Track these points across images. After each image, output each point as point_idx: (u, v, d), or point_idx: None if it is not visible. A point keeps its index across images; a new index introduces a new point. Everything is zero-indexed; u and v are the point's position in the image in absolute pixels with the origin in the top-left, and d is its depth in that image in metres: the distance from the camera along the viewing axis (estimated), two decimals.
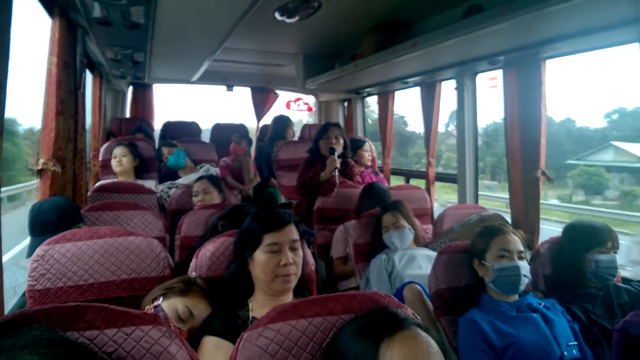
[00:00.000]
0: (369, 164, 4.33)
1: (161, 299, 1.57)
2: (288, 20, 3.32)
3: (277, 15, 3.22)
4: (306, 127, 5.87)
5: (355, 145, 4.15)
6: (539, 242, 2.88)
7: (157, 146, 4.90)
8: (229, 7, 2.28)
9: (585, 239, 2.10)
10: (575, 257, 2.10)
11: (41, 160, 2.27)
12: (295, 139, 5.69)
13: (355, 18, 3.35)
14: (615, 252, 2.07)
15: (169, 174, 4.06)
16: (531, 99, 2.93)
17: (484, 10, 2.44)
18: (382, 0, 2.95)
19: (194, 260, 1.78)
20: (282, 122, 5.26)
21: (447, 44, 2.61)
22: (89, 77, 4.20)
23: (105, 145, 3.95)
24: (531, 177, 2.98)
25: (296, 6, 3.07)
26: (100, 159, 3.91)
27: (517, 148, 3.06)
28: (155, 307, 1.54)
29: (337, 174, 3.38)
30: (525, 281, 1.85)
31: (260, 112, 6.13)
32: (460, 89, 3.57)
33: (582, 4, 1.87)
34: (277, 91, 6.12)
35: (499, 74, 3.18)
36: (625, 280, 2.27)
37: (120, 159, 3.67)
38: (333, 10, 3.17)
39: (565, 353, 1.72)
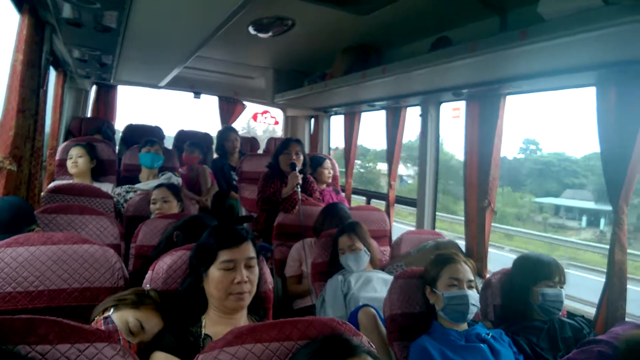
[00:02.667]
0: (329, 181, 4.35)
1: (112, 310, 1.54)
2: (261, 35, 3.35)
3: (251, 30, 3.25)
4: (271, 141, 5.88)
5: (316, 162, 4.16)
6: (487, 271, 3.01)
7: (117, 149, 4.80)
8: (204, 18, 2.28)
9: (534, 272, 2.18)
10: (523, 289, 2.18)
11: None
12: (260, 151, 5.70)
13: (327, 38, 3.41)
14: (562, 287, 2.16)
15: (128, 178, 3.97)
16: (489, 132, 3.05)
17: (452, 44, 2.55)
18: (355, 25, 3.02)
19: (149, 272, 1.76)
20: (220, 136, 5.17)
21: (415, 73, 2.71)
22: (52, 74, 4.08)
23: (62, 145, 3.83)
24: (481, 206, 3.09)
25: (270, 22, 3.10)
26: (56, 158, 3.79)
27: (474, 178, 3.18)
28: (106, 318, 1.51)
29: (299, 189, 3.39)
30: (474, 310, 1.91)
31: (226, 121, 6.09)
32: (424, 116, 3.68)
33: (544, 48, 1.98)
34: (245, 102, 6.11)
35: (462, 105, 3.30)
36: (570, 314, 2.37)
37: (76, 160, 3.54)
38: (306, 30, 3.22)
39: None
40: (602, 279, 2.39)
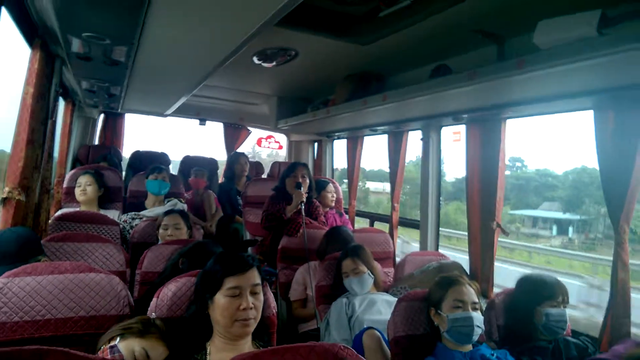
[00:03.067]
0: (333, 204, 4.38)
1: (118, 339, 1.55)
2: (265, 65, 3.43)
3: (255, 59, 3.33)
4: (276, 165, 5.92)
5: (320, 186, 4.19)
6: (493, 292, 3.00)
7: (124, 176, 4.85)
8: (211, 51, 2.34)
9: (537, 292, 2.19)
10: (527, 309, 2.18)
11: (6, 189, 2.24)
12: (265, 175, 5.73)
13: (329, 67, 3.49)
14: (565, 307, 2.16)
15: (134, 204, 4.01)
16: (491, 154, 3.09)
17: (451, 72, 2.60)
18: (356, 54, 3.09)
19: (154, 299, 1.78)
20: (230, 160, 5.25)
21: (415, 99, 2.75)
22: (60, 103, 4.16)
23: (70, 173, 3.88)
24: (487, 227, 3.10)
25: (274, 53, 3.18)
26: (64, 186, 3.84)
27: (476, 199, 3.20)
28: (112, 347, 1.53)
29: (302, 208, 3.42)
30: (478, 332, 1.92)
31: (231, 147, 6.15)
32: (425, 140, 3.72)
33: (541, 76, 2.02)
34: (250, 128, 6.18)
35: (462, 128, 3.35)
36: (575, 333, 2.36)
37: (85, 188, 3.59)
38: (309, 59, 3.29)
39: None
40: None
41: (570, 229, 19.14)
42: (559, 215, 19.78)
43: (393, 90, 2.90)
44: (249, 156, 5.35)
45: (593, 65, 1.82)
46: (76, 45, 2.26)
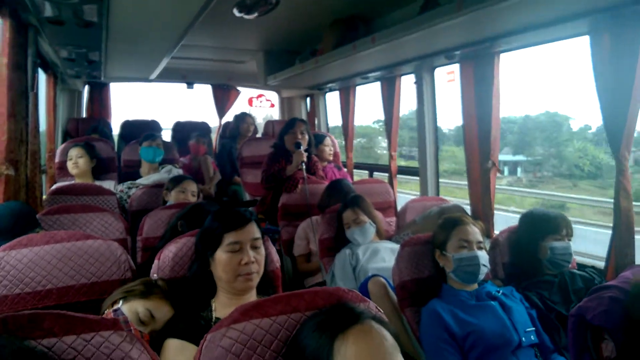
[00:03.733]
0: (331, 158, 4.35)
1: (121, 302, 1.55)
2: (247, 17, 3.30)
3: (236, 12, 3.20)
4: (269, 124, 5.85)
5: (317, 140, 4.16)
6: (495, 231, 3.00)
7: (116, 146, 4.79)
8: (185, 3, 2.25)
9: (541, 227, 2.18)
10: (531, 245, 2.18)
11: None
12: (259, 135, 5.67)
13: (314, 14, 3.36)
14: (570, 239, 2.16)
15: (129, 174, 3.97)
16: (486, 93, 3.01)
17: (440, 5, 2.49)
18: None
19: (156, 261, 1.76)
20: (237, 118, 5.22)
21: (405, 39, 2.65)
22: (42, 77, 4.06)
23: (61, 147, 3.84)
24: (485, 168, 3.07)
25: (254, 2, 3.05)
26: (56, 160, 3.79)
27: (474, 140, 3.15)
28: (115, 310, 1.52)
29: (303, 167, 3.39)
30: (484, 270, 1.91)
31: (222, 110, 6.08)
32: (419, 83, 3.63)
33: None
34: (239, 88, 6.07)
35: (456, 68, 3.25)
36: (580, 266, 2.36)
37: (77, 161, 3.56)
38: (291, 6, 3.17)
39: (524, 339, 1.79)
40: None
41: (519, 169, 20.82)
42: (510, 157, 21.09)
43: (381, 31, 2.80)
44: None
45: None
46: (45, 8, 2.16)
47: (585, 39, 2.34)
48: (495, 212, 3.08)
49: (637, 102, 2.18)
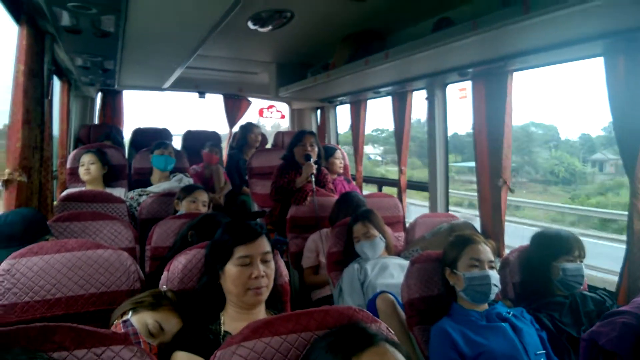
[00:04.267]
0: (341, 171, 4.35)
1: (130, 313, 1.54)
2: (261, 30, 3.32)
3: (250, 24, 3.22)
4: (279, 135, 5.86)
5: (327, 153, 4.16)
6: (505, 250, 2.98)
7: (127, 153, 4.82)
8: (202, 16, 2.27)
9: (553, 247, 2.16)
10: (543, 265, 2.16)
11: (7, 171, 2.21)
12: (269, 146, 5.68)
13: (327, 28, 3.37)
14: (582, 261, 2.13)
15: (139, 181, 3.99)
16: (498, 110, 3.00)
17: (454, 24, 2.50)
18: (354, 12, 2.98)
19: (165, 272, 1.76)
20: (244, 129, 5.22)
21: (418, 56, 2.66)
22: (56, 83, 4.10)
23: (73, 153, 3.86)
24: (495, 185, 3.05)
25: (269, 16, 3.08)
26: (67, 166, 3.82)
27: (485, 157, 3.13)
28: (125, 321, 1.52)
29: (313, 179, 3.38)
30: (495, 290, 1.89)
31: (232, 119, 6.10)
32: (430, 99, 3.63)
33: (548, 21, 1.92)
34: (250, 98, 6.10)
35: (468, 85, 3.25)
36: (591, 288, 2.33)
37: (88, 167, 3.59)
38: (305, 21, 3.18)
39: None
40: None
41: None
42: None
43: (395, 47, 2.81)
44: None
45: (602, 5, 1.72)
46: (63, 17, 2.20)
47: (600, 60, 2.34)
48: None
49: None
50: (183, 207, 2.91)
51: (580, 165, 20.90)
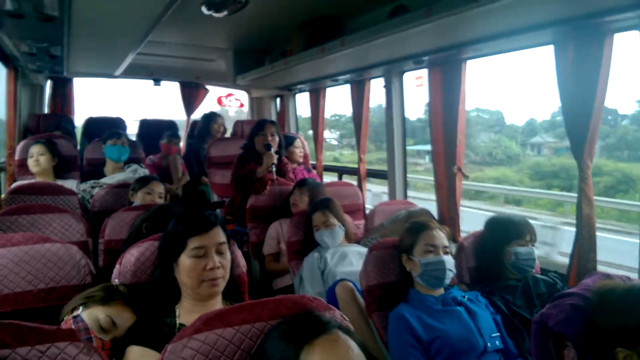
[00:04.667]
0: (301, 160, 4.33)
1: (81, 308, 1.49)
2: (216, 15, 3.25)
3: (205, 9, 3.15)
4: (238, 124, 5.77)
5: (287, 142, 4.13)
6: (460, 235, 3.05)
7: (79, 144, 4.66)
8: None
9: (505, 232, 2.22)
10: (496, 249, 2.22)
11: None
12: (228, 135, 5.60)
13: (284, 13, 3.35)
14: (533, 245, 2.20)
15: (92, 173, 3.86)
16: (452, 98, 3.06)
17: (409, 11, 2.51)
18: None
19: (117, 266, 1.70)
20: (207, 118, 5.12)
21: (375, 43, 2.67)
22: (2, 71, 3.91)
23: (21, 144, 3.70)
24: (450, 172, 3.11)
25: (223, 0, 3.01)
26: (16, 158, 3.65)
27: (440, 144, 3.19)
28: (75, 317, 1.47)
29: (274, 169, 3.36)
30: (450, 275, 1.94)
31: (190, 108, 5.97)
32: (388, 87, 3.65)
33: (500, 8, 1.96)
34: (208, 86, 5.98)
35: (424, 73, 3.28)
36: (543, 271, 2.41)
37: (38, 158, 3.44)
38: (262, 5, 3.14)
39: (489, 344, 1.82)
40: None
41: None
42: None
43: (351, 35, 2.80)
44: None
45: None
46: (5, 2, 2.07)
47: (550, 48, 2.40)
48: None
49: (599, 111, 2.25)
50: (138, 199, 2.83)
51: (516, 148, 22.06)
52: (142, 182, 2.92)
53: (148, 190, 2.86)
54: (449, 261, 1.94)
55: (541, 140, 22.13)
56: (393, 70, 3.54)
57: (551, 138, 21.93)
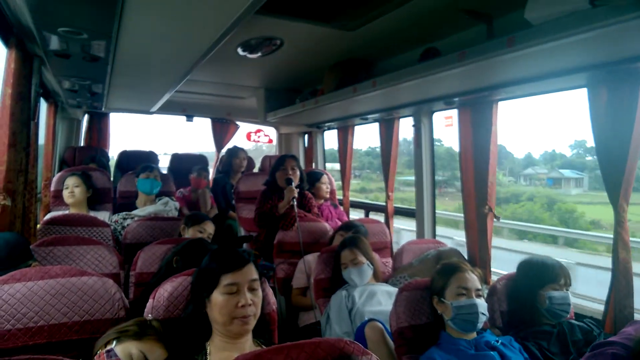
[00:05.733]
0: (327, 196, 4.34)
1: (114, 342, 1.51)
2: (250, 56, 3.36)
3: (240, 51, 3.26)
4: (266, 159, 5.86)
5: (313, 178, 4.17)
6: (492, 277, 2.99)
7: (112, 176, 4.78)
8: (192, 43, 2.28)
9: (539, 275, 2.17)
10: (530, 293, 2.16)
11: None
12: (256, 170, 5.68)
13: (316, 56, 3.43)
14: (568, 289, 2.14)
15: (124, 205, 3.94)
16: (483, 138, 3.05)
17: (440, 55, 2.55)
18: (343, 41, 3.03)
19: (150, 301, 1.73)
20: (230, 153, 5.21)
21: (405, 85, 2.70)
22: (43, 105, 4.08)
23: (57, 175, 3.81)
24: (481, 212, 3.08)
25: (259, 43, 3.12)
26: (52, 189, 3.76)
27: (471, 184, 3.17)
28: (108, 351, 1.48)
29: (295, 203, 3.38)
30: (483, 319, 1.90)
31: (220, 142, 6.11)
32: (417, 126, 3.68)
33: (533, 53, 1.98)
34: (238, 122, 6.11)
35: (454, 113, 3.30)
36: (578, 316, 2.34)
37: (73, 190, 3.53)
38: (294, 48, 3.23)
39: None
40: None
41: None
42: None
43: (382, 76, 2.85)
44: None
45: (586, 39, 1.77)
46: (53, 42, 2.20)
47: (583, 91, 2.40)
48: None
49: (635, 155, 2.21)
50: (189, 234, 2.89)
51: (503, 178, 22.10)
52: (196, 220, 2.98)
53: (200, 229, 2.92)
54: (482, 304, 1.90)
55: (532, 172, 22.71)
56: (422, 109, 3.57)
57: (540, 170, 22.54)
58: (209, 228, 2.95)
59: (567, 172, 21.13)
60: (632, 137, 2.20)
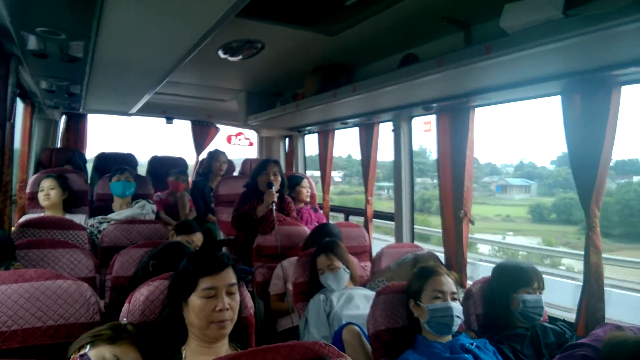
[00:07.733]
0: (308, 200, 4.35)
1: (88, 347, 1.49)
2: (231, 59, 3.36)
3: (221, 53, 3.26)
4: (247, 162, 5.84)
5: (294, 182, 4.18)
6: (467, 281, 3.03)
7: (89, 178, 4.70)
8: (173, 45, 2.27)
9: (513, 279, 2.20)
10: (504, 297, 2.20)
11: None
12: (236, 173, 5.65)
13: (297, 60, 3.44)
14: (541, 292, 2.18)
15: (101, 208, 3.88)
16: (460, 144, 3.11)
17: (419, 61, 2.59)
18: (324, 45, 3.05)
19: (126, 304, 1.71)
20: (210, 156, 5.19)
21: (385, 90, 2.74)
22: (19, 105, 4.01)
23: (33, 177, 3.74)
24: (458, 217, 3.12)
25: (240, 46, 3.12)
26: (27, 191, 3.69)
27: (448, 190, 3.22)
28: (82, 355, 1.46)
29: (274, 207, 3.38)
30: (458, 322, 1.92)
31: (200, 146, 6.06)
32: (397, 131, 3.72)
33: (510, 61, 2.02)
34: (218, 125, 6.08)
35: (433, 118, 3.35)
36: (551, 319, 2.39)
37: (48, 192, 3.46)
38: (276, 52, 3.24)
39: None
40: None
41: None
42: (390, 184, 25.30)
43: (362, 81, 2.88)
44: None
45: (560, 48, 1.83)
46: (31, 41, 2.16)
47: (557, 99, 2.46)
48: None
49: (606, 160, 2.28)
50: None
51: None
52: (186, 229, 2.98)
53: (189, 240, 2.91)
54: (457, 308, 1.93)
55: (488, 180, 24.30)
56: (402, 115, 3.62)
57: (496, 178, 24.29)
58: (198, 240, 2.95)
59: (513, 180, 23.89)
60: (604, 144, 2.26)
